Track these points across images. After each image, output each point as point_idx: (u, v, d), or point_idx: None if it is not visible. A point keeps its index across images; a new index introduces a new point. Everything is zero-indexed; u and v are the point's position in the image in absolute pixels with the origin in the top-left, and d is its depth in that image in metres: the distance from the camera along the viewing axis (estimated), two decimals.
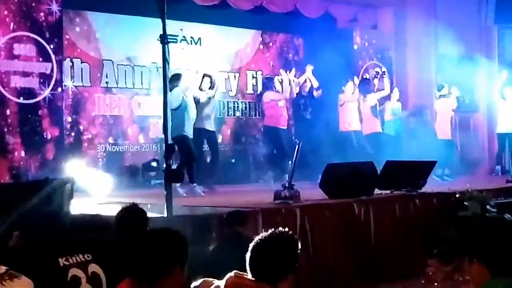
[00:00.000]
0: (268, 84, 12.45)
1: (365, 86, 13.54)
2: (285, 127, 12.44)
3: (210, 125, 11.61)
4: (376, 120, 13.24)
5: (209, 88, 11.58)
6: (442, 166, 12.74)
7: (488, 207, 9.02)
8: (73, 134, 12.55)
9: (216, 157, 11.82)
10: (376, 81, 14.27)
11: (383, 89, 13.87)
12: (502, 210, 9.10)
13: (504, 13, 15.43)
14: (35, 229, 5.65)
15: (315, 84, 13.26)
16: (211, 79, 11.70)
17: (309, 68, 13.28)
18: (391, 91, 14.10)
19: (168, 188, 6.81)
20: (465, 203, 9.02)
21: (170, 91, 10.45)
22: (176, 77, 10.87)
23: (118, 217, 5.53)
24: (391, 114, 13.86)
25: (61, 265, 4.55)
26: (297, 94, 13.01)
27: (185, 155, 10.67)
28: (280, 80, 13.45)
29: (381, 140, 13.11)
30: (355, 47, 15.46)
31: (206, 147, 11.95)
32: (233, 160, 14.31)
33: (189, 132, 10.76)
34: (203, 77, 11.75)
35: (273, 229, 3.78)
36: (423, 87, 15.39)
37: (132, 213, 5.50)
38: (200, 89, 11.55)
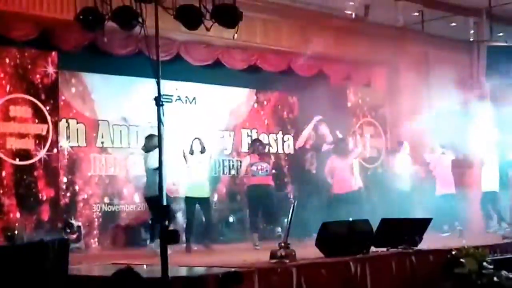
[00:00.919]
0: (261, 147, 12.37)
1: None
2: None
3: (202, 192, 11.74)
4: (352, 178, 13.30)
5: (200, 152, 11.66)
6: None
7: (484, 263, 9.00)
8: (68, 194, 12.53)
9: (208, 220, 11.89)
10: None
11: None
12: (498, 266, 9.09)
13: (495, 69, 15.56)
14: None
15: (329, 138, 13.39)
16: (200, 142, 11.78)
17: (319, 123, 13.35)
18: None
19: (163, 249, 6.78)
20: (461, 259, 8.99)
21: (149, 151, 10.99)
22: (153, 137, 10.93)
23: (112, 281, 5.51)
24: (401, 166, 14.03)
25: None
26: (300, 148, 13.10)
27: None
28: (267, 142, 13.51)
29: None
30: (349, 104, 15.57)
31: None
32: (230, 219, 14.27)
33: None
34: (193, 140, 11.83)
35: None
36: (417, 144, 15.43)
37: (126, 276, 5.48)
38: (191, 153, 11.64)
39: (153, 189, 10.63)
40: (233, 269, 7.04)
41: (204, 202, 11.82)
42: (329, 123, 14.04)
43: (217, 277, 6.81)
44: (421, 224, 9.75)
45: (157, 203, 10.27)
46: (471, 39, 16.65)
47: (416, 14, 15.39)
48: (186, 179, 11.89)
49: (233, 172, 14.85)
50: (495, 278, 8.77)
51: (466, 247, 9.30)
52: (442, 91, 15.52)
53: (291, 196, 14.47)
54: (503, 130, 15.82)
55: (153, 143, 10.91)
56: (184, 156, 11.69)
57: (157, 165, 10.42)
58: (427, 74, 16.02)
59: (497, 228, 14.13)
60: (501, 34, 16.11)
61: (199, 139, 11.87)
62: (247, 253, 9.98)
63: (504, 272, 8.90)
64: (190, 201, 11.75)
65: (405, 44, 15.56)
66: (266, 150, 12.44)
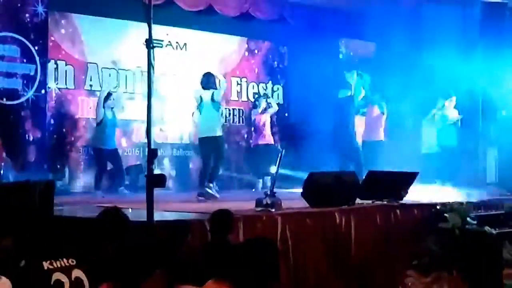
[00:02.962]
0: None
1: None
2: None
3: (214, 131, 10.91)
4: None
5: (206, 87, 10.95)
6: None
7: (468, 219, 9.05)
8: (55, 136, 12.49)
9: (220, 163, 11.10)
10: None
11: None
12: (482, 223, 9.16)
13: (488, 25, 15.48)
14: (16, 231, 5.62)
15: None
16: (214, 80, 11.13)
17: None
18: None
19: (149, 193, 6.78)
20: (445, 214, 9.04)
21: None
22: (106, 97, 11.67)
23: (100, 220, 5.51)
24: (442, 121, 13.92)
25: (45, 268, 4.55)
26: None
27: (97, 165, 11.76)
28: None
29: None
30: (340, 56, 15.50)
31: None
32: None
33: (101, 146, 11.58)
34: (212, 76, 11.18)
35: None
36: (405, 99, 15.40)
37: (113, 217, 5.48)
38: (203, 86, 10.96)
39: (100, 141, 11.59)
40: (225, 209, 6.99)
41: (216, 141, 10.95)
42: (319, 76, 14.03)
43: (202, 223, 6.82)
44: (407, 178, 9.77)
45: (100, 154, 11.56)
46: None
47: None
48: (198, 119, 11.19)
49: (222, 120, 14.79)
50: (478, 234, 8.83)
51: (451, 202, 9.36)
52: (434, 46, 15.45)
53: (278, 146, 14.51)
54: (493, 87, 15.81)
55: (109, 99, 11.72)
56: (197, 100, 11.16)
57: (98, 120, 11.43)
58: (419, 28, 15.90)
59: None
60: None
61: (214, 76, 11.24)
62: (233, 202, 9.97)
63: (487, 228, 8.96)
64: (202, 142, 10.95)
65: None
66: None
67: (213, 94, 10.76)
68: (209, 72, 11.27)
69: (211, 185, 10.69)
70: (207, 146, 10.88)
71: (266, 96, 14.91)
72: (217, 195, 10.62)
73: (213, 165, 10.85)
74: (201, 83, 10.99)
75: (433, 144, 14.21)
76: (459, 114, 14.25)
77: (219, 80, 11.18)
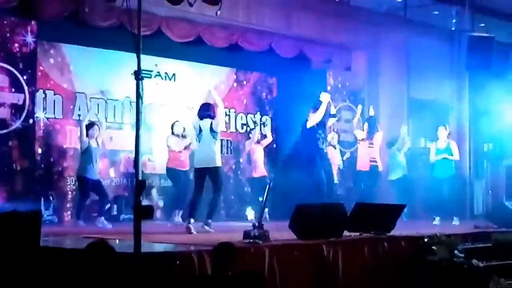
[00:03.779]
0: None
1: None
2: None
3: (211, 161, 10.61)
4: None
5: (208, 116, 10.70)
6: None
7: (456, 252, 9.05)
8: (43, 166, 12.45)
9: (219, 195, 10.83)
10: None
11: None
12: (470, 255, 9.15)
13: (475, 59, 15.60)
14: (2, 262, 5.59)
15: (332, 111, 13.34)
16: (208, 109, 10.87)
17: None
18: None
19: (137, 224, 6.75)
20: (433, 247, 9.04)
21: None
22: (89, 126, 11.78)
23: (86, 252, 5.47)
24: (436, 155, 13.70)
25: None
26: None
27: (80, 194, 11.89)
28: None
29: None
30: (329, 88, 15.54)
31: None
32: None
33: (86, 175, 11.68)
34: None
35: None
36: (394, 130, 15.46)
37: (100, 248, 5.45)
38: (200, 117, 10.74)
39: (84, 170, 11.70)
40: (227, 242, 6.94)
41: (216, 172, 10.61)
42: (308, 107, 14.06)
43: (189, 254, 6.80)
44: (395, 210, 9.78)
45: (83, 183, 11.65)
46: (453, 28, 16.74)
47: (399, 0, 15.41)
48: (196, 149, 11.01)
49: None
50: (465, 267, 8.83)
51: (438, 234, 9.36)
52: (421, 79, 15.57)
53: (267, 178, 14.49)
54: (479, 120, 15.93)
55: (91, 129, 11.80)
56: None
57: (83, 148, 11.59)
58: (407, 61, 16.03)
59: None
60: (482, 24, 16.18)
61: (211, 105, 10.96)
62: (221, 233, 9.93)
63: (474, 261, 8.96)
64: (199, 172, 10.62)
65: (387, 30, 15.53)
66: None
67: (211, 123, 10.59)
68: (206, 102, 11.12)
69: (209, 221, 10.42)
70: (204, 177, 10.58)
71: (264, 124, 14.98)
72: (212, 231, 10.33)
73: (213, 198, 10.59)
74: (198, 113, 10.76)
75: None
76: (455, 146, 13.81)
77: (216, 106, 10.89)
